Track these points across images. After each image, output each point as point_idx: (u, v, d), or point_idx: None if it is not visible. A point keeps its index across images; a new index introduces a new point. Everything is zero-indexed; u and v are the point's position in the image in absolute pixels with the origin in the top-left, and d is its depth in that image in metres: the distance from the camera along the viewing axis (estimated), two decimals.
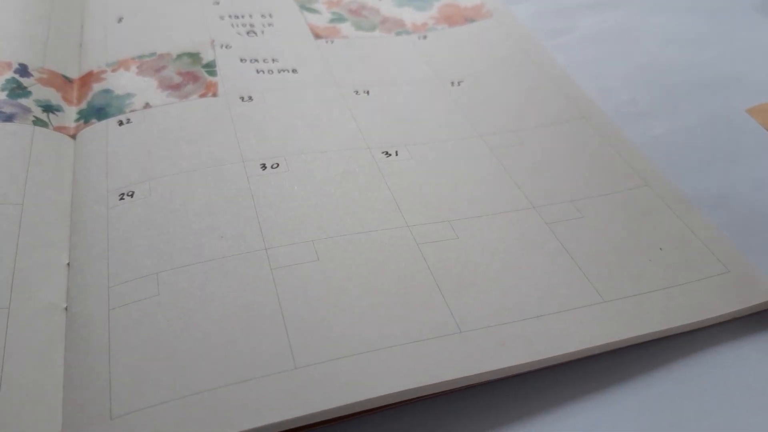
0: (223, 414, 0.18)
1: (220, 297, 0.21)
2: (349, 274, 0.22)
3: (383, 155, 0.27)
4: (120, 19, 0.35)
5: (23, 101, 0.29)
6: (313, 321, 0.20)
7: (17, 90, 0.29)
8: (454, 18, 0.36)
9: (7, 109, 0.28)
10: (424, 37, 0.35)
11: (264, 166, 0.26)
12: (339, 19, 0.36)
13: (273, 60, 0.31)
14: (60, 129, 0.28)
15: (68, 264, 0.23)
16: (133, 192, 0.25)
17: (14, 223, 0.24)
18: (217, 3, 0.35)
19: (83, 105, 0.29)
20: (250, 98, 0.29)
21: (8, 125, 0.27)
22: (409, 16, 0.36)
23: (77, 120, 0.29)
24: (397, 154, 0.27)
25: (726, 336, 0.22)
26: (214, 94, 0.29)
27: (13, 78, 0.30)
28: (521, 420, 0.19)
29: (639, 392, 0.20)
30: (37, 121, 0.28)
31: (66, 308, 0.21)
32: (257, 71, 0.31)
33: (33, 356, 0.20)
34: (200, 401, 0.18)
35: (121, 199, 0.24)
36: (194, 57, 0.31)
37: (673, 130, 0.30)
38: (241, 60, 0.31)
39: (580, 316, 0.21)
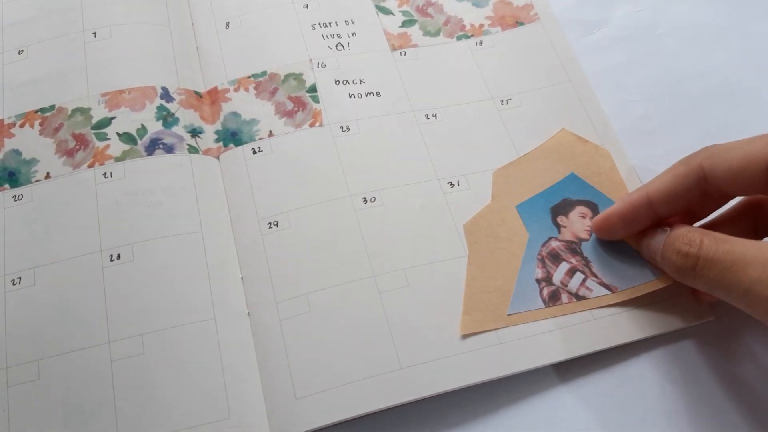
0: (356, 399, 0.31)
1: (349, 314, 0.33)
2: (428, 298, 0.33)
3: (448, 186, 0.36)
4: (227, 24, 0.41)
5: (176, 129, 0.37)
6: (409, 334, 0.32)
7: (169, 118, 0.37)
8: (506, 19, 0.42)
9: (168, 140, 0.37)
10: (480, 43, 0.41)
11: (365, 200, 0.36)
12: (409, 21, 0.42)
13: (361, 81, 0.39)
14: (207, 152, 0.37)
15: (242, 278, 0.34)
16: (278, 222, 0.35)
17: (200, 248, 0.34)
18: (306, 7, 0.41)
19: (218, 125, 0.38)
20: (348, 128, 0.37)
21: (172, 157, 0.36)
22: (468, 14, 0.42)
23: (216, 141, 0.38)
24: (459, 185, 0.37)
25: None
26: (321, 124, 0.37)
27: (162, 105, 0.38)
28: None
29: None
30: (191, 149, 0.37)
31: (249, 314, 0.34)
32: (349, 95, 0.39)
33: (237, 352, 0.33)
34: (347, 389, 0.31)
35: (270, 227, 0.35)
36: (298, 79, 0.39)
37: (668, 151, 0.39)
38: (336, 82, 0.39)
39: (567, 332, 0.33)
